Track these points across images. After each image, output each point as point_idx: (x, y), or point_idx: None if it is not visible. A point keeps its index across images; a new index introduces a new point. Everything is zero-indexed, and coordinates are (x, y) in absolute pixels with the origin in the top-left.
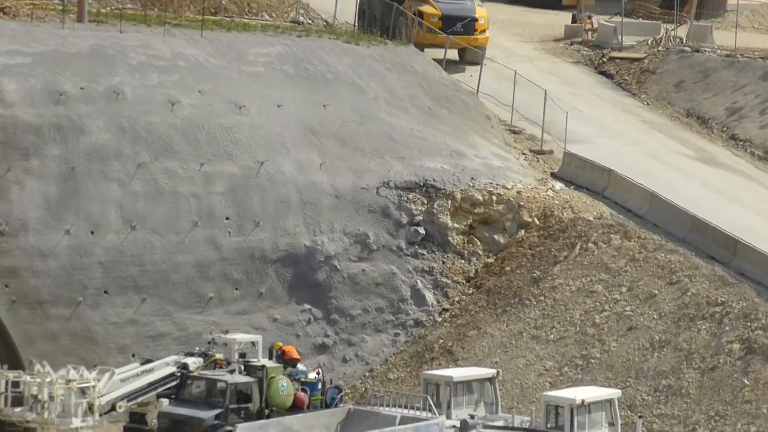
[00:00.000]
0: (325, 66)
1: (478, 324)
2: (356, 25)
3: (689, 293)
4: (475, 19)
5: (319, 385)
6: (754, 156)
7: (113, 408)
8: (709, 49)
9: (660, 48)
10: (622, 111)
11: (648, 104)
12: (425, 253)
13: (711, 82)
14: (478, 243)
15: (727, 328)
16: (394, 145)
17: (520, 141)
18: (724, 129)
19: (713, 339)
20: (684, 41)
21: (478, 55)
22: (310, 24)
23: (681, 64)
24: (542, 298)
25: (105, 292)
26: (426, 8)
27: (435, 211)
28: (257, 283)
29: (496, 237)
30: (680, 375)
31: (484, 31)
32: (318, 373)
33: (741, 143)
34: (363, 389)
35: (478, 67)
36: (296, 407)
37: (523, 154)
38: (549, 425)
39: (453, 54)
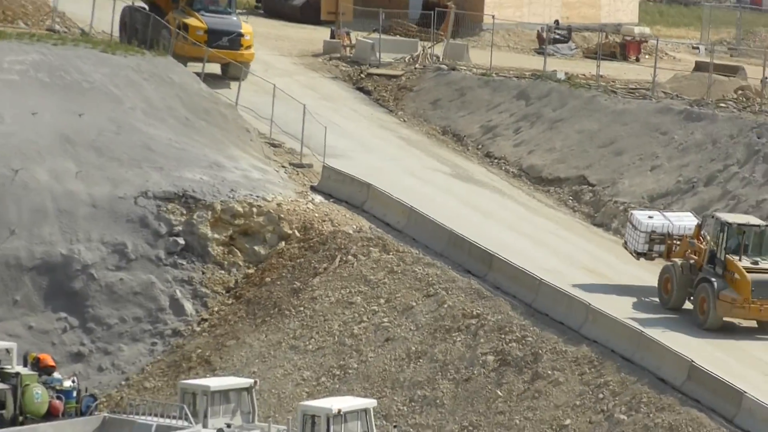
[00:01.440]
0: (81, 75)
1: (237, 334)
2: (119, 37)
3: (446, 305)
4: (241, 35)
5: (74, 393)
6: (508, 173)
7: None
8: (465, 68)
9: (417, 65)
10: (380, 127)
11: (405, 121)
12: (184, 263)
13: (467, 101)
14: (239, 254)
15: (482, 340)
16: (152, 155)
17: (279, 154)
18: (479, 147)
19: (468, 351)
20: (441, 59)
21: (242, 70)
22: (66, 32)
23: (438, 81)
24: (302, 308)
25: None
26: (191, 21)
27: (195, 221)
28: (12, 290)
29: (256, 248)
30: (435, 385)
31: (249, 46)
32: (73, 381)
33: (496, 161)
34: (119, 398)
35: (239, 80)
36: (51, 415)
37: (283, 167)
38: None
39: (216, 69)
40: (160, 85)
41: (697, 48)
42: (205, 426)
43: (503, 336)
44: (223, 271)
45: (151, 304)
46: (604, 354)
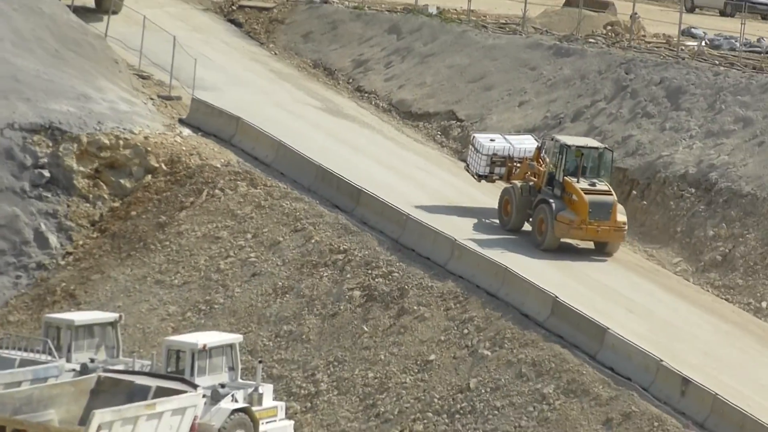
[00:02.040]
0: None
1: (101, 268)
2: None
3: (313, 241)
4: None
5: None
6: (378, 108)
7: None
8: (338, 1)
9: None
10: (251, 60)
11: (276, 54)
12: (49, 195)
13: (339, 34)
14: (104, 187)
15: (348, 276)
16: (19, 86)
17: (148, 86)
18: (350, 81)
19: (335, 286)
20: None
21: (116, 3)
22: None
23: (310, 14)
24: (168, 243)
25: None
26: None
27: (60, 154)
28: None
29: (122, 182)
30: (301, 321)
31: None
32: None
33: (366, 95)
34: None
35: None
36: None
37: (152, 99)
38: (170, 369)
39: (90, 2)
40: (30, 15)
41: None
42: (68, 360)
43: (370, 271)
44: (88, 204)
45: (15, 237)
46: (469, 289)
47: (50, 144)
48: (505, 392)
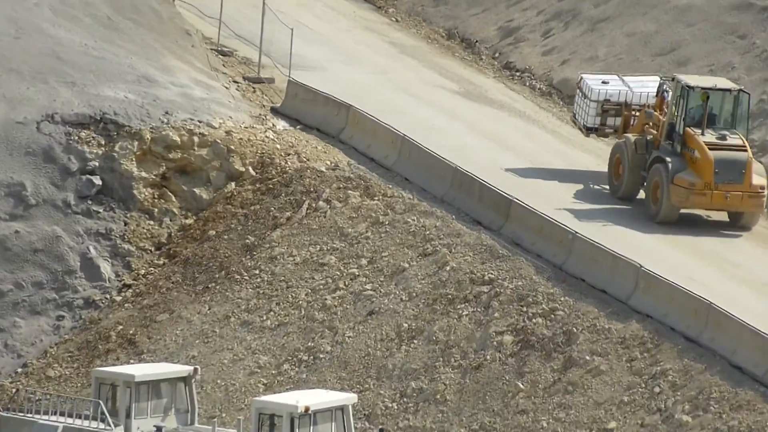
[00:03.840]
0: None
1: (170, 305)
2: None
3: (448, 268)
4: None
5: None
6: (535, 91)
7: None
8: None
9: None
10: (365, 29)
11: (398, 21)
12: (101, 210)
13: None
14: (173, 199)
15: (496, 315)
16: (62, 66)
17: (230, 65)
18: (497, 55)
19: (478, 329)
20: None
21: None
22: None
23: None
24: (257, 272)
25: None
26: None
27: (116, 155)
28: None
29: (197, 191)
30: (435, 375)
31: None
32: None
33: (518, 74)
34: (14, 390)
35: None
36: None
37: (235, 82)
38: None
39: None
40: None
41: None
42: (127, 428)
43: (525, 309)
44: (152, 222)
45: (56, 265)
46: (660, 333)
47: (102, 142)
48: None
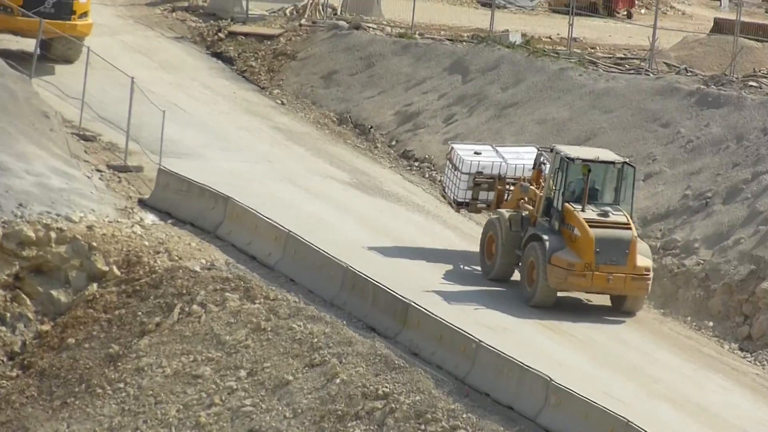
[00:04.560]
0: None
1: (24, 423)
2: None
3: (338, 380)
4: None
5: None
6: (435, 183)
7: None
8: (375, 26)
9: (303, 21)
10: (246, 112)
11: (284, 103)
12: None
13: (376, 74)
14: (28, 302)
15: None
16: None
17: (93, 152)
18: (393, 143)
19: None
20: (339, 12)
21: (74, 48)
22: None
23: (333, 46)
24: (122, 385)
25: None
26: None
27: None
28: None
29: (54, 293)
30: None
31: (86, 14)
32: None
33: (417, 164)
34: None
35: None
36: None
37: (99, 171)
38: None
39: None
40: None
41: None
42: None
43: (423, 427)
44: (4, 328)
45: None
46: None
47: None
48: None
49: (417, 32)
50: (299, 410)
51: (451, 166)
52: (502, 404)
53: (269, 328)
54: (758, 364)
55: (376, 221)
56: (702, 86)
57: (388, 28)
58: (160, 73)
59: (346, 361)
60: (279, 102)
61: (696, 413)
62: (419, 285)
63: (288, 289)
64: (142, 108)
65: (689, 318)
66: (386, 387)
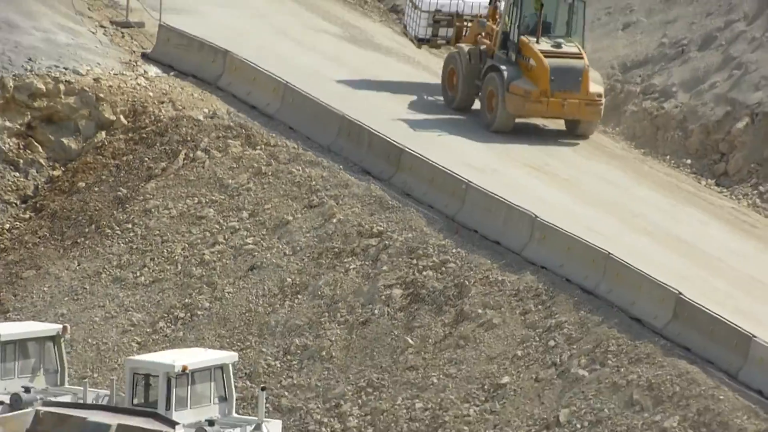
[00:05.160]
0: None
1: (37, 261)
2: None
3: (335, 220)
4: None
5: None
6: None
7: None
8: None
9: None
10: None
11: None
12: None
13: None
14: (40, 149)
15: (385, 268)
16: None
17: (96, 9)
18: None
19: (366, 282)
20: None
21: None
22: None
23: None
24: (130, 225)
25: None
26: None
27: None
28: None
29: (65, 141)
30: (320, 332)
31: None
32: None
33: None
34: None
35: None
36: None
37: (102, 27)
38: (136, 401)
39: None
40: None
41: None
42: None
43: (415, 262)
44: (17, 174)
45: None
46: (556, 285)
47: None
48: (611, 427)
49: None
50: (298, 248)
51: (411, 5)
52: (489, 240)
53: (270, 173)
54: (734, 198)
55: (366, 71)
56: None
57: None
58: None
59: (343, 202)
60: None
61: (674, 245)
62: (403, 126)
63: (287, 136)
64: None
65: (668, 157)
66: (380, 225)
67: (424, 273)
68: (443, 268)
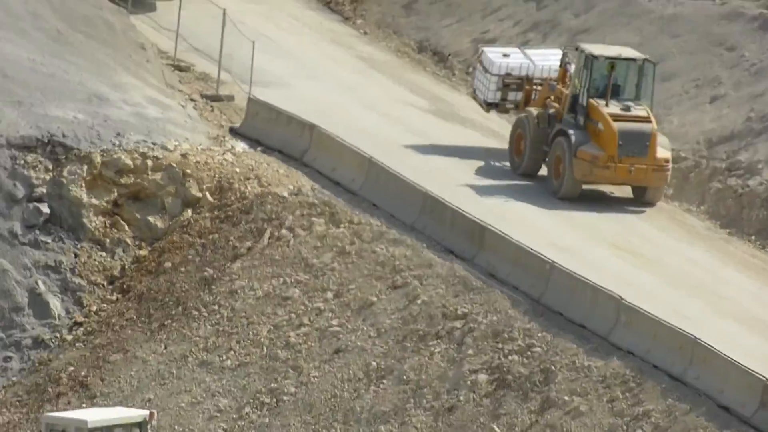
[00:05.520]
0: None
1: (124, 345)
2: None
3: (419, 301)
4: None
5: None
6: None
7: None
8: None
9: None
10: (331, 42)
11: (366, 33)
12: (50, 241)
13: (454, 3)
14: (126, 228)
15: (470, 352)
16: (8, 84)
17: (187, 82)
18: (470, 69)
19: (451, 367)
20: None
21: None
22: None
23: None
24: (216, 307)
25: None
26: None
27: (64, 180)
28: None
29: (151, 219)
30: (405, 418)
31: None
32: None
33: None
34: None
35: None
36: None
37: (192, 100)
38: None
39: None
40: None
41: None
42: None
43: (501, 346)
44: (104, 253)
45: (2, 302)
46: (644, 371)
47: (50, 166)
48: None
49: None
50: (383, 330)
51: (481, 68)
52: (575, 323)
53: (354, 252)
54: None
55: (453, 146)
56: (765, 10)
57: None
58: (250, 5)
59: (427, 282)
60: (362, 32)
61: (762, 330)
62: (486, 204)
63: (371, 213)
64: (234, 39)
65: (753, 237)
66: (465, 307)
67: (510, 357)
68: (529, 353)
